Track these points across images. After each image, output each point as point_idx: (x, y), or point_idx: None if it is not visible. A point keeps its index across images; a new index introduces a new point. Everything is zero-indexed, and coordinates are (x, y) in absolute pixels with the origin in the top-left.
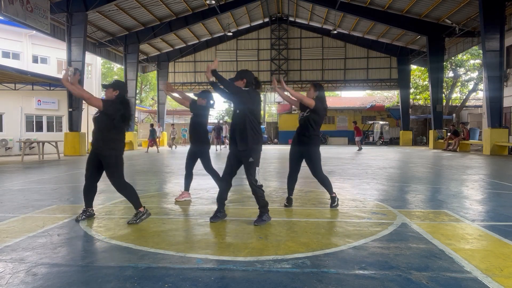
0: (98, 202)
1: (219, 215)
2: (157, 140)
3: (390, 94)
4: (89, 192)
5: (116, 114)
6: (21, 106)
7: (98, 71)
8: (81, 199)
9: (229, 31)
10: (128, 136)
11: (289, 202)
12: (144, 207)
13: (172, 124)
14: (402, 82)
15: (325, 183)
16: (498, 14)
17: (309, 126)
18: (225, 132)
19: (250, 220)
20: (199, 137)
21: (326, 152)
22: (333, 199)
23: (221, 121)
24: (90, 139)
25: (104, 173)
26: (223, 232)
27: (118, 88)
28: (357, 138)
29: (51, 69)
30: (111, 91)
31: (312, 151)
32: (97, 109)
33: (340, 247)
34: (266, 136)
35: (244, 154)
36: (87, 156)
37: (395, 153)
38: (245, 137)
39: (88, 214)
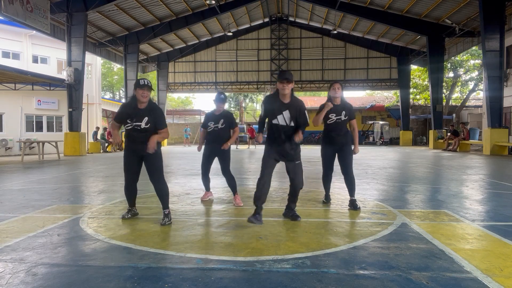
0: (98, 202)
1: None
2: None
3: (390, 94)
4: (134, 190)
5: (162, 127)
6: (21, 106)
7: (98, 71)
8: (80, 199)
9: (229, 31)
10: None
11: (327, 199)
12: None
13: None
14: (402, 82)
15: (353, 182)
16: (498, 14)
17: (346, 127)
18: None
19: None
20: (227, 139)
21: None
22: (354, 202)
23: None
24: (90, 139)
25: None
26: (223, 232)
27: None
28: None
29: (51, 69)
30: (150, 94)
31: (350, 149)
32: (144, 119)
33: (340, 247)
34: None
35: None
36: (127, 158)
37: (395, 153)
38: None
39: (133, 213)
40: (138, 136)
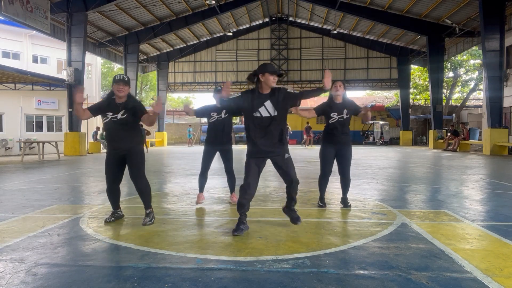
0: (98, 202)
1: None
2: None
3: (390, 94)
4: (116, 193)
5: (144, 110)
6: (21, 106)
7: (98, 71)
8: (80, 199)
9: (229, 31)
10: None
11: (323, 201)
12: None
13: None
14: (402, 82)
15: (349, 183)
16: (498, 14)
17: (348, 127)
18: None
19: (250, 220)
20: (229, 137)
21: None
22: (346, 200)
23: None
24: (90, 139)
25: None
26: (223, 232)
27: (129, 84)
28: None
29: (51, 69)
30: (128, 88)
31: (351, 149)
32: (121, 111)
33: (340, 247)
34: None
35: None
36: (107, 160)
37: (395, 153)
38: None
39: (117, 216)
40: (116, 131)
